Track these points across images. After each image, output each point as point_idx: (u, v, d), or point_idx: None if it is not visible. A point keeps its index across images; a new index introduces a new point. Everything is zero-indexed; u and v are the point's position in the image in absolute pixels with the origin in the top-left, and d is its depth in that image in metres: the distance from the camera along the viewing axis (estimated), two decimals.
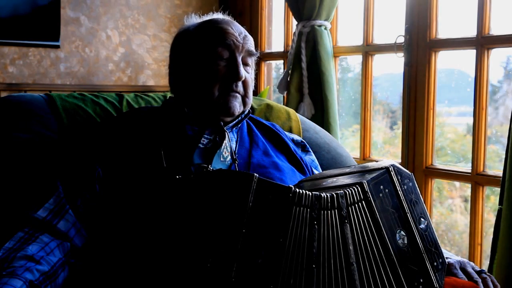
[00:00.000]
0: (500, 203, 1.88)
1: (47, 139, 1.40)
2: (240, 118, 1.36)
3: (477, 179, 2.15)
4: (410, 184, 1.09)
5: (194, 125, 1.30)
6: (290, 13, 2.89)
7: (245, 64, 1.33)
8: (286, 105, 2.52)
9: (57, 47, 2.99)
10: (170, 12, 3.27)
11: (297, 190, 0.99)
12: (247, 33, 1.36)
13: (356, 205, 1.01)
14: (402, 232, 1.04)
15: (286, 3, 2.94)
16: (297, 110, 2.58)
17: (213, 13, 1.42)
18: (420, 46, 2.33)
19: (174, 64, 1.39)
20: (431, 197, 2.37)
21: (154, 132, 1.27)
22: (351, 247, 0.99)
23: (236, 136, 1.34)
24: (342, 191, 1.01)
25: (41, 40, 2.93)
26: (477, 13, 2.14)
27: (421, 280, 1.03)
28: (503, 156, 1.91)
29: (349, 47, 2.72)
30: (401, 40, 2.37)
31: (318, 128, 1.78)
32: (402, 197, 1.06)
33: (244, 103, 1.33)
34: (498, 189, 1.96)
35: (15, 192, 1.32)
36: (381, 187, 1.04)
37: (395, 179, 1.06)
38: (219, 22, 1.35)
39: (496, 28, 2.12)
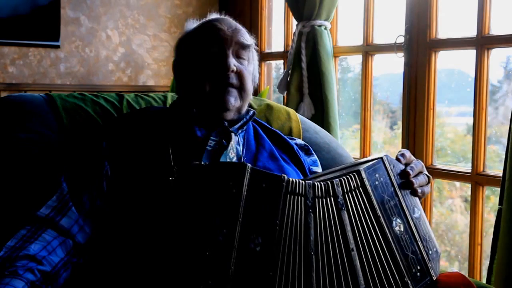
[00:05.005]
0: (500, 203, 1.88)
1: (47, 139, 1.40)
2: (245, 119, 1.36)
3: (477, 179, 2.15)
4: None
5: (202, 126, 1.30)
6: (290, 13, 2.89)
7: (239, 57, 1.33)
8: (286, 105, 2.52)
9: (57, 47, 2.99)
10: (170, 12, 3.27)
11: (290, 179, 1.01)
12: (239, 27, 1.36)
13: (353, 192, 1.03)
14: (399, 220, 1.06)
15: (286, 3, 2.94)
16: (297, 110, 2.58)
17: (210, 13, 1.44)
18: (420, 46, 2.33)
19: (175, 67, 1.41)
20: (431, 197, 2.37)
21: (164, 132, 1.27)
22: (350, 234, 1.01)
23: (242, 140, 1.34)
24: (337, 179, 1.03)
25: (41, 40, 2.93)
26: (477, 13, 2.14)
27: (418, 268, 1.04)
28: (503, 156, 1.91)
29: (349, 47, 2.72)
30: (401, 40, 2.37)
31: (318, 128, 1.78)
32: (396, 186, 1.07)
33: (241, 96, 1.32)
34: (498, 189, 1.96)
35: (16, 191, 1.32)
36: (377, 175, 1.06)
37: (389, 168, 1.08)
38: (210, 21, 1.37)
39: (496, 28, 2.12)
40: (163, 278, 1.00)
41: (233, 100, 1.30)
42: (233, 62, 1.29)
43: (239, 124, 1.34)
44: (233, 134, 1.30)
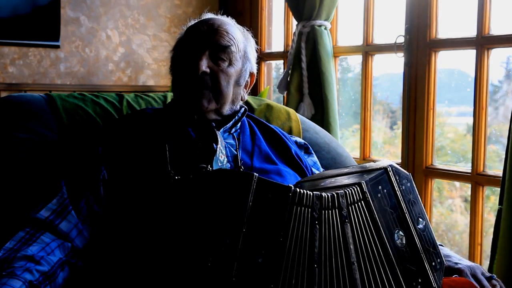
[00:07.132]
0: (500, 203, 1.88)
1: (47, 139, 1.40)
2: (237, 117, 1.35)
3: (477, 179, 2.15)
4: (408, 184, 1.10)
5: (194, 128, 1.30)
6: (290, 13, 2.89)
7: (218, 58, 1.29)
8: (286, 105, 2.52)
9: (57, 47, 2.99)
10: (170, 12, 3.27)
11: (298, 189, 0.99)
12: (223, 27, 1.31)
13: (356, 204, 1.02)
14: (401, 232, 1.05)
15: (286, 3, 2.94)
16: (297, 110, 2.57)
17: (204, 13, 1.41)
18: (420, 46, 2.33)
19: (170, 69, 1.42)
20: (431, 197, 2.37)
21: (160, 134, 1.27)
22: (351, 247, 1.00)
23: (236, 140, 1.33)
24: (342, 191, 1.02)
25: (41, 40, 2.93)
26: (477, 13, 2.14)
27: (420, 280, 1.04)
28: (503, 156, 1.91)
29: (349, 47, 2.72)
30: (401, 40, 2.37)
31: (318, 128, 1.78)
32: (400, 197, 1.06)
33: (216, 98, 1.28)
34: (498, 189, 1.96)
35: (15, 192, 1.32)
36: (379, 187, 1.05)
37: (393, 179, 1.07)
38: (197, 22, 1.36)
39: (496, 28, 2.12)
40: (164, 285, 1.00)
41: (206, 103, 1.27)
42: (204, 64, 1.26)
43: (231, 123, 1.33)
44: (219, 136, 1.28)
